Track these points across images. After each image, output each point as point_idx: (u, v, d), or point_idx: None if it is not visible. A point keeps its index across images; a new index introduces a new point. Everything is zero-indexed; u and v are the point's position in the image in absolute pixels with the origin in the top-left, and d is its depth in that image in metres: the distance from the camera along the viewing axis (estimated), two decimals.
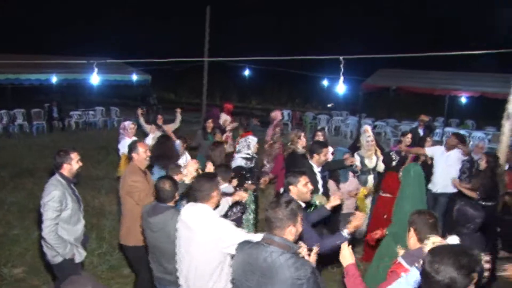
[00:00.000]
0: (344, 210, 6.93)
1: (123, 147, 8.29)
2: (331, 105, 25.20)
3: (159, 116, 10.37)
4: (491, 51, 8.09)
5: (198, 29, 21.80)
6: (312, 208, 5.51)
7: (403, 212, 4.97)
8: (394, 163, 8.28)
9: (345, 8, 41.99)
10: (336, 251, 3.83)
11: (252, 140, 7.34)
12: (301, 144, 7.41)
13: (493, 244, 7.15)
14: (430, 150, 8.63)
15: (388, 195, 7.07)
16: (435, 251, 2.53)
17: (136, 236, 5.23)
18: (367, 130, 8.11)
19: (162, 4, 44.38)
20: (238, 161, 7.13)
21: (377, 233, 5.63)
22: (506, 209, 7.88)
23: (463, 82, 17.36)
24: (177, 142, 7.64)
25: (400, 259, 3.32)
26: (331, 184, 6.75)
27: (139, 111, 10.46)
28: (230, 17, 37.62)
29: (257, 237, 3.44)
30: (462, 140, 8.70)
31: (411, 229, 3.68)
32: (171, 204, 4.38)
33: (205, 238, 3.75)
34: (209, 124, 10.09)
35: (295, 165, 6.45)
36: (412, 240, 3.66)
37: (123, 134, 8.80)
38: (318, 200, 5.62)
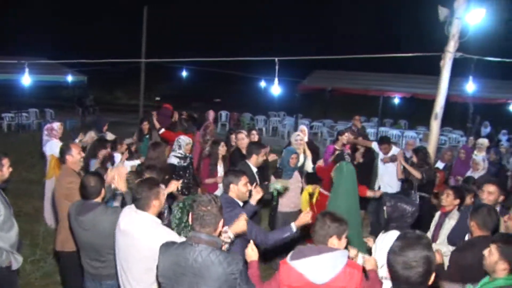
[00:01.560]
0: (285, 209, 6.90)
1: (51, 148, 8.05)
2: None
3: (105, 124, 9.96)
4: (419, 54, 8.47)
5: (135, 30, 21.56)
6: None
7: (339, 210, 5.10)
8: None
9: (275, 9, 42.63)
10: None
11: (183, 140, 7.39)
12: (242, 143, 7.54)
13: None
14: (375, 146, 8.79)
15: None
16: (396, 245, 2.63)
17: (74, 242, 5.06)
18: (303, 130, 8.29)
19: (99, 4, 43.30)
20: (172, 159, 7.19)
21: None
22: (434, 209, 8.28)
23: (396, 83, 17.99)
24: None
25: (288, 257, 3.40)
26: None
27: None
28: (167, 18, 37.20)
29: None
30: (388, 141, 8.93)
31: None
32: (97, 200, 4.36)
33: (147, 245, 3.66)
34: (145, 126, 9.98)
35: (234, 165, 6.53)
36: None
37: (48, 135, 8.40)
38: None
